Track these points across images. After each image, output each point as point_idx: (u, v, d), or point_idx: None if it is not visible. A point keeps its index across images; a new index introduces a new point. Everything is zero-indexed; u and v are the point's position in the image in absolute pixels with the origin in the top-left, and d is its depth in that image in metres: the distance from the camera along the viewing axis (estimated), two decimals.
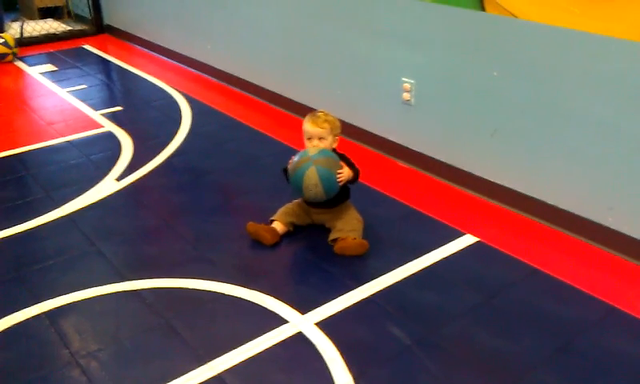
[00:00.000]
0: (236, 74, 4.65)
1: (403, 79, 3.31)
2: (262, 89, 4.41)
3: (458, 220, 2.92)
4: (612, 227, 2.64)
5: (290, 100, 4.19)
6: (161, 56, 5.50)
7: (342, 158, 2.77)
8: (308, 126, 2.74)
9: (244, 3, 4.40)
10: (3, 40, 5.44)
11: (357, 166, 2.79)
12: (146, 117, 4.23)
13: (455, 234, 2.80)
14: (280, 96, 4.27)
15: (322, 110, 2.80)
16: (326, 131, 2.73)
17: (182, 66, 5.22)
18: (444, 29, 3.07)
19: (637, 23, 2.37)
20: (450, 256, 2.66)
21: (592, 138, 2.61)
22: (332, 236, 2.74)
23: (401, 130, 3.44)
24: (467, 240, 2.76)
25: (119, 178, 3.35)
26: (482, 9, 2.86)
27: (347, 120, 3.61)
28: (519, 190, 2.95)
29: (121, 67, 5.30)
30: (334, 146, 2.78)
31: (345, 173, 2.69)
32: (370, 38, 3.45)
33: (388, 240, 2.77)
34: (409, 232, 2.85)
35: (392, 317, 2.32)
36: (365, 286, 2.48)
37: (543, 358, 2.11)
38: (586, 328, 2.24)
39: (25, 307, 2.39)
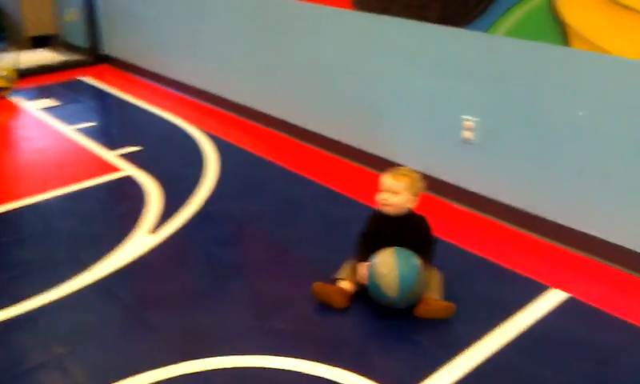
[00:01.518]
0: (259, 108, 4.35)
1: (463, 117, 3.05)
2: (292, 125, 4.12)
3: (542, 273, 2.65)
4: None
5: (321, 135, 3.90)
6: (170, 88, 5.17)
7: (417, 224, 2.50)
8: (385, 178, 2.48)
9: (271, 37, 4.12)
10: (4, 73, 5.04)
11: (431, 233, 2.52)
12: (167, 157, 3.89)
13: (541, 289, 2.53)
14: (309, 132, 3.98)
15: (405, 167, 2.58)
16: (401, 186, 2.44)
17: (195, 99, 4.90)
18: (520, 64, 2.83)
19: None
20: (543, 317, 2.39)
21: None
22: None
23: (463, 172, 3.17)
24: (557, 296, 2.49)
25: (153, 231, 3.01)
26: (566, 44, 2.62)
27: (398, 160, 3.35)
28: (605, 239, 2.70)
29: (127, 101, 4.94)
30: (412, 205, 2.50)
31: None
32: (432, 74, 3.20)
33: (468, 298, 2.48)
34: (488, 288, 2.57)
35: None
36: (461, 357, 2.18)
37: None
38: None
39: None
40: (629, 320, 2.35)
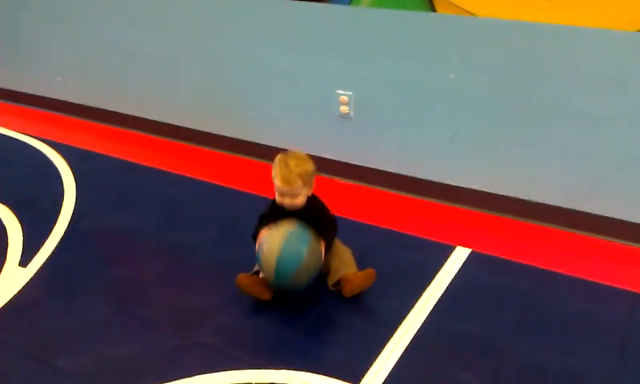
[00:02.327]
0: (110, 107, 3.98)
1: (339, 91, 3.04)
2: (153, 122, 3.83)
3: (442, 234, 2.74)
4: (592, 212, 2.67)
5: (189, 129, 3.69)
6: None
7: (314, 210, 2.40)
8: (278, 181, 2.31)
9: (101, 20, 3.76)
10: None
11: (331, 217, 2.45)
12: (10, 177, 3.40)
13: (447, 249, 2.63)
14: (173, 127, 3.74)
15: (293, 155, 2.36)
16: (298, 188, 2.32)
17: (19, 104, 4.35)
18: (389, 35, 2.86)
19: (608, 11, 2.38)
20: (457, 275, 2.49)
21: (569, 131, 2.61)
22: (332, 279, 2.40)
23: (340, 146, 3.16)
24: (463, 253, 2.61)
25: (23, 264, 2.63)
26: (433, 10, 2.70)
27: (273, 144, 3.27)
28: (488, 191, 2.87)
29: None
30: (310, 193, 2.39)
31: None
32: (301, 52, 3.12)
33: (384, 271, 2.48)
34: (399, 258, 2.61)
35: (449, 360, 2.07)
36: (399, 332, 2.19)
37: (608, 363, 2.04)
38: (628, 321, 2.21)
39: None
40: (532, 264, 2.53)
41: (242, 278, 2.35)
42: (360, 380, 2.00)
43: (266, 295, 2.33)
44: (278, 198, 2.36)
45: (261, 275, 2.36)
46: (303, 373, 2.04)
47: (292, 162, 2.32)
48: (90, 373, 2.07)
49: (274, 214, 2.39)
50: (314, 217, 2.39)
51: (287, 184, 2.30)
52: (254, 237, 2.38)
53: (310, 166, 2.36)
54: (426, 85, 2.84)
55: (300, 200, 2.35)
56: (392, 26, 2.83)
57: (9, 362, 2.13)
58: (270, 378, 2.02)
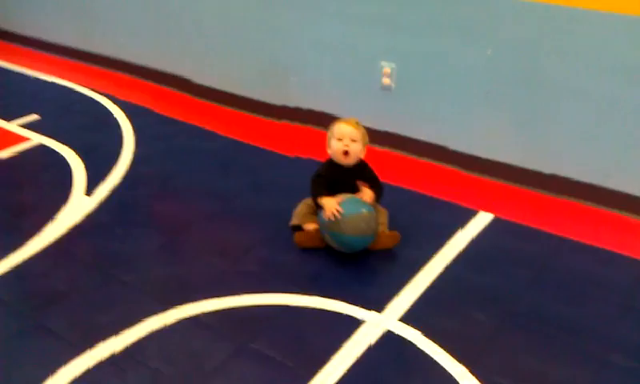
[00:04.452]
0: (163, 69, 4.28)
1: (382, 63, 3.29)
2: (198, 85, 4.12)
3: (468, 199, 2.97)
4: (609, 187, 2.88)
5: (230, 93, 3.97)
6: (53, 54, 4.88)
7: (366, 170, 2.68)
8: (342, 126, 2.59)
9: None
10: None
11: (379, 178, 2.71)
12: (72, 123, 3.73)
13: (470, 213, 2.86)
14: (215, 90, 4.03)
15: (349, 118, 2.70)
16: (360, 134, 2.60)
17: (85, 63, 4.68)
18: (432, 10, 3.09)
19: None
20: (478, 235, 2.72)
21: (585, 110, 2.82)
22: None
23: (380, 116, 3.41)
24: (485, 218, 2.83)
25: (88, 193, 2.95)
26: None
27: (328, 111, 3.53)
28: (511, 163, 3.10)
29: (8, 70, 4.61)
30: (363, 155, 2.66)
31: (367, 197, 2.60)
32: (347, 24, 3.37)
33: (411, 227, 2.73)
34: (425, 217, 2.84)
35: (464, 301, 2.32)
36: (420, 275, 2.45)
37: (611, 318, 2.25)
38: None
39: (70, 358, 2.04)
40: (549, 231, 2.74)
41: (299, 236, 2.60)
42: (383, 310, 2.26)
43: (320, 244, 2.59)
44: (336, 146, 2.59)
45: (306, 228, 2.64)
46: (334, 301, 2.30)
47: (350, 118, 2.65)
48: (152, 287, 2.37)
49: (330, 171, 2.64)
50: (368, 172, 2.68)
51: (350, 125, 2.58)
52: (314, 197, 2.60)
53: (363, 128, 2.64)
54: (463, 60, 3.07)
55: (357, 147, 2.59)
56: (436, 2, 3.06)
57: (80, 272, 2.45)
58: (304, 303, 2.29)
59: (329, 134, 2.64)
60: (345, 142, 2.57)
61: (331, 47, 3.45)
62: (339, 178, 2.62)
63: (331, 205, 2.48)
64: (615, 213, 2.87)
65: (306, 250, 2.58)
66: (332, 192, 2.57)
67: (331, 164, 2.65)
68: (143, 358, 2.04)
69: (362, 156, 2.65)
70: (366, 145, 2.65)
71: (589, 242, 2.66)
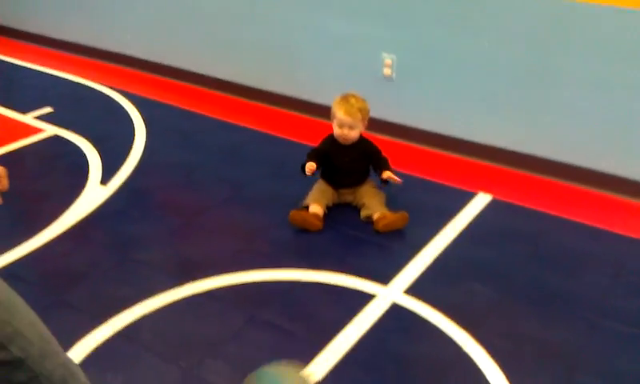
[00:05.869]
0: (171, 63, 4.41)
1: (384, 55, 3.42)
2: (207, 77, 4.25)
3: (466, 182, 3.11)
4: (602, 170, 3.01)
5: (239, 84, 4.10)
6: (59, 50, 5.01)
7: (366, 144, 2.85)
8: (341, 113, 2.75)
9: None
10: None
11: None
12: (85, 116, 3.87)
13: (470, 195, 3.00)
14: (224, 82, 4.16)
15: (353, 94, 2.81)
16: (357, 120, 2.76)
17: (92, 58, 4.81)
18: (432, 2, 3.22)
19: None
20: (478, 214, 2.85)
21: (577, 99, 2.96)
22: (365, 213, 2.79)
23: (382, 105, 3.54)
24: (484, 199, 2.97)
25: (104, 183, 3.08)
26: None
27: (321, 101, 3.65)
28: (511, 149, 3.23)
29: (17, 65, 4.75)
30: (363, 130, 2.83)
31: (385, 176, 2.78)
32: (349, 17, 3.50)
33: (413, 208, 2.85)
34: (427, 199, 2.97)
35: (466, 274, 2.45)
36: (423, 251, 2.58)
37: (602, 286, 2.39)
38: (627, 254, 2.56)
39: (91, 329, 2.17)
40: (544, 210, 2.88)
41: (294, 214, 2.72)
42: (388, 283, 2.39)
43: (317, 226, 2.71)
44: (336, 131, 2.79)
45: (310, 209, 2.76)
46: (343, 275, 2.44)
47: (352, 99, 2.79)
48: (167, 265, 2.51)
49: (329, 147, 2.84)
50: (371, 148, 2.87)
51: (349, 115, 2.74)
52: (302, 167, 2.76)
53: (366, 105, 2.81)
54: (462, 51, 3.20)
55: (355, 133, 2.78)
56: None
57: (98, 252, 2.59)
58: (315, 278, 2.42)
59: (332, 110, 2.81)
60: (344, 130, 2.77)
61: (334, 39, 3.59)
62: (341, 151, 2.82)
63: (307, 166, 2.72)
64: (604, 193, 3.01)
65: (302, 230, 2.70)
66: (334, 163, 2.81)
67: (333, 139, 2.85)
68: (158, 328, 2.18)
69: (363, 129, 2.83)
70: (367, 120, 2.82)
71: (580, 220, 2.80)
